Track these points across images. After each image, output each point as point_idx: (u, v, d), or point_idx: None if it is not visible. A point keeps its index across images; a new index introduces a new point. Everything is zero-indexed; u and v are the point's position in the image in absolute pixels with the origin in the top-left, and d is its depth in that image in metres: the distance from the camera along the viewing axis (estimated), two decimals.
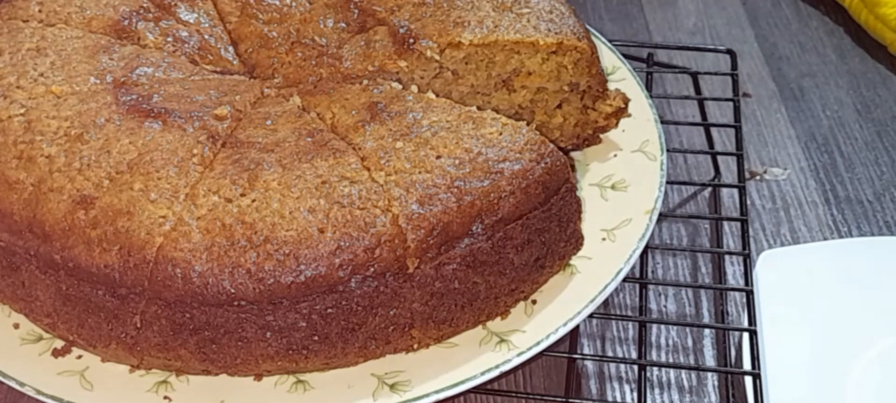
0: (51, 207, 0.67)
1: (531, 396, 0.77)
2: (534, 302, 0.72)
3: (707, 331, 0.90)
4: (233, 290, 0.64)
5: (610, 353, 0.88)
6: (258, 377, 0.68)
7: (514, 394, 0.75)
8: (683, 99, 1.08)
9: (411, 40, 0.78)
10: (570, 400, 0.73)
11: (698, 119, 1.05)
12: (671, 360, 0.88)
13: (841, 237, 0.99)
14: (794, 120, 1.13)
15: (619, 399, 0.84)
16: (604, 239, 0.76)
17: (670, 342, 0.89)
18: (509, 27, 0.79)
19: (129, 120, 0.71)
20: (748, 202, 1.02)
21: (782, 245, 0.98)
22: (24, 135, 0.70)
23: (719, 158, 1.04)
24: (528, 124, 0.73)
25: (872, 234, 1.00)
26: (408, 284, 0.67)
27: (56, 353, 0.70)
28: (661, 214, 0.79)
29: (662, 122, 0.86)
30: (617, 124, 0.84)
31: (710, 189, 1.03)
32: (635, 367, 0.83)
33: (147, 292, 0.65)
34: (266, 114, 0.75)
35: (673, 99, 1.10)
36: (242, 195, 0.67)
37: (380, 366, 0.68)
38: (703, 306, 0.92)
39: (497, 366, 0.67)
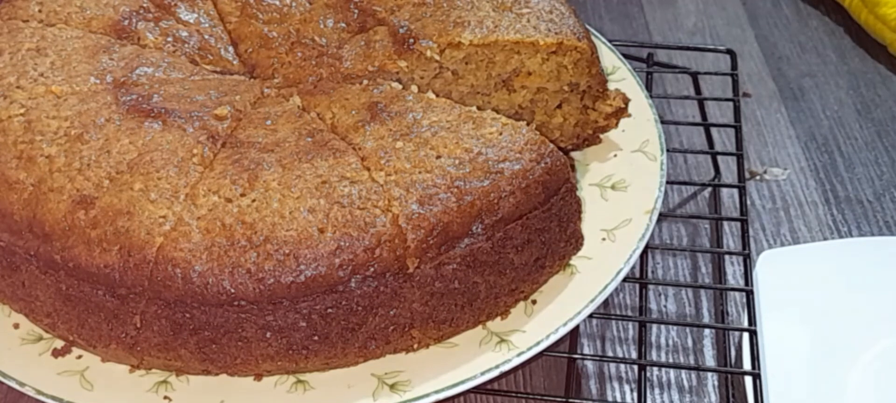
0: (51, 207, 0.67)
1: (531, 396, 0.77)
2: (534, 302, 0.72)
3: (707, 331, 0.90)
4: (233, 290, 0.64)
5: (610, 353, 0.88)
6: (258, 377, 0.68)
7: (514, 394, 0.75)
8: (683, 99, 1.08)
9: (411, 40, 0.78)
10: (570, 400, 0.73)
11: (698, 119, 1.05)
12: (671, 360, 0.88)
13: (841, 237, 0.99)
14: (794, 120, 1.13)
15: (619, 399, 0.84)
16: (604, 239, 0.76)
17: (670, 342, 0.89)
18: (509, 27, 0.79)
19: (129, 120, 0.71)
20: (748, 202, 1.02)
21: (782, 245, 0.98)
22: (24, 135, 0.70)
23: (719, 158, 1.03)
24: (528, 124, 0.73)
25: (872, 234, 1.00)
26: (408, 284, 0.67)
27: (56, 353, 0.70)
28: (661, 214, 0.79)
29: (662, 122, 0.86)
30: (617, 124, 0.84)
31: (710, 189, 1.03)
32: (635, 367, 0.83)
33: (147, 292, 0.65)
34: (266, 114, 0.74)
35: (673, 99, 1.10)
36: (242, 195, 0.67)
37: (380, 366, 0.68)
38: (703, 306, 0.92)
39: (497, 366, 0.67)
